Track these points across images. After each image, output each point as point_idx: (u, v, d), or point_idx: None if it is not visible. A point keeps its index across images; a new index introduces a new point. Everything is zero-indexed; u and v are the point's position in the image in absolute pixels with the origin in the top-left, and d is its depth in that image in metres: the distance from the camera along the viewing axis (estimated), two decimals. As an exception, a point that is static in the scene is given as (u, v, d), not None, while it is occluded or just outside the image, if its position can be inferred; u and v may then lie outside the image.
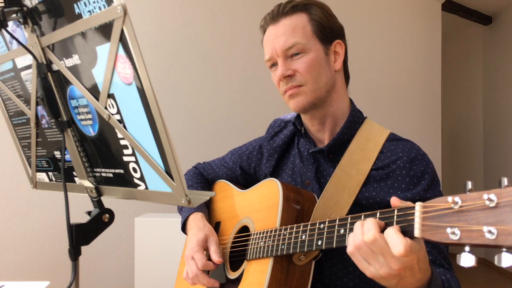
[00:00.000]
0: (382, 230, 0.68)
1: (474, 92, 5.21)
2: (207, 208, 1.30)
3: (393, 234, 0.65)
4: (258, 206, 1.09)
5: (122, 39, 0.61)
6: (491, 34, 4.94)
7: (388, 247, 0.65)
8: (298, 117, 1.17)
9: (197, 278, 1.05)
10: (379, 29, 3.66)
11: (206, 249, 1.09)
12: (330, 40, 1.05)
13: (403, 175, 0.97)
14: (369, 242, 0.67)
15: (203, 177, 1.37)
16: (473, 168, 5.17)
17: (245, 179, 1.30)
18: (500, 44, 4.77)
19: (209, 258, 1.07)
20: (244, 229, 1.12)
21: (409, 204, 0.68)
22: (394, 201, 0.70)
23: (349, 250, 0.72)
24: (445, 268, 0.92)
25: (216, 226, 1.24)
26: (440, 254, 0.93)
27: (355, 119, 1.08)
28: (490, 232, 0.53)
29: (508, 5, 4.56)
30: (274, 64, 1.07)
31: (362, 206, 0.99)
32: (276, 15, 1.05)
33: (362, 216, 0.75)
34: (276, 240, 0.96)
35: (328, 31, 1.05)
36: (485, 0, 4.47)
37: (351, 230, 0.77)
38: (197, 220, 1.17)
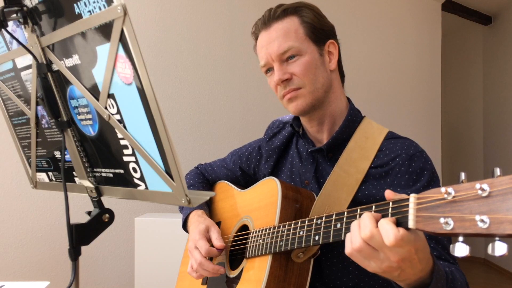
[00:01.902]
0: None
1: (474, 92, 5.21)
2: (208, 209, 1.31)
3: (384, 224, 0.65)
4: (258, 204, 1.09)
5: (122, 39, 0.61)
6: (491, 34, 4.94)
7: (377, 231, 0.66)
8: (296, 118, 1.17)
9: (201, 267, 1.05)
10: (379, 29, 3.66)
11: (208, 239, 1.09)
12: (323, 40, 1.05)
13: (402, 172, 0.97)
14: (367, 238, 0.67)
15: (204, 177, 1.38)
16: (473, 167, 5.17)
17: (245, 180, 1.31)
18: (500, 44, 4.77)
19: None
20: (244, 228, 1.13)
21: (404, 196, 0.68)
22: (388, 194, 0.70)
23: (348, 251, 0.72)
24: (450, 263, 0.92)
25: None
26: (444, 249, 0.93)
27: (354, 118, 1.08)
28: (482, 221, 0.54)
29: (508, 5, 4.56)
30: (269, 69, 1.07)
31: (361, 204, 0.98)
32: (267, 20, 1.05)
33: (358, 210, 0.76)
34: (274, 237, 0.96)
35: (320, 31, 1.05)
36: (485, 0, 4.47)
37: (347, 224, 0.78)
38: (197, 216, 1.18)
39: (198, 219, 1.16)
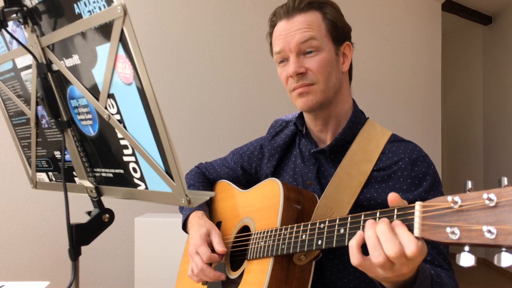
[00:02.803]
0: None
1: (474, 92, 5.21)
2: (208, 208, 1.30)
3: (405, 234, 0.64)
4: (259, 206, 1.09)
5: (122, 39, 0.61)
6: (491, 34, 4.94)
7: (402, 247, 0.64)
8: (299, 117, 1.16)
9: (202, 273, 1.04)
10: (379, 29, 3.66)
11: (209, 243, 1.09)
12: (341, 41, 1.05)
13: (405, 176, 0.97)
14: (396, 255, 0.64)
15: (204, 177, 1.37)
16: (473, 168, 5.17)
17: (246, 179, 1.30)
18: (500, 44, 4.77)
19: (213, 252, 1.07)
20: (245, 229, 1.12)
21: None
22: (393, 196, 0.69)
23: (356, 263, 0.70)
24: (443, 269, 0.91)
25: (217, 226, 1.24)
26: (440, 254, 0.92)
27: (357, 120, 1.08)
28: (489, 231, 0.53)
29: (508, 5, 4.56)
30: (283, 60, 1.05)
31: (363, 207, 0.98)
32: (291, 10, 1.03)
33: (362, 216, 0.75)
34: (276, 240, 0.96)
35: (341, 31, 1.05)
36: (485, 0, 4.47)
37: (351, 230, 0.77)
38: (197, 218, 1.17)
39: (198, 221, 1.15)
